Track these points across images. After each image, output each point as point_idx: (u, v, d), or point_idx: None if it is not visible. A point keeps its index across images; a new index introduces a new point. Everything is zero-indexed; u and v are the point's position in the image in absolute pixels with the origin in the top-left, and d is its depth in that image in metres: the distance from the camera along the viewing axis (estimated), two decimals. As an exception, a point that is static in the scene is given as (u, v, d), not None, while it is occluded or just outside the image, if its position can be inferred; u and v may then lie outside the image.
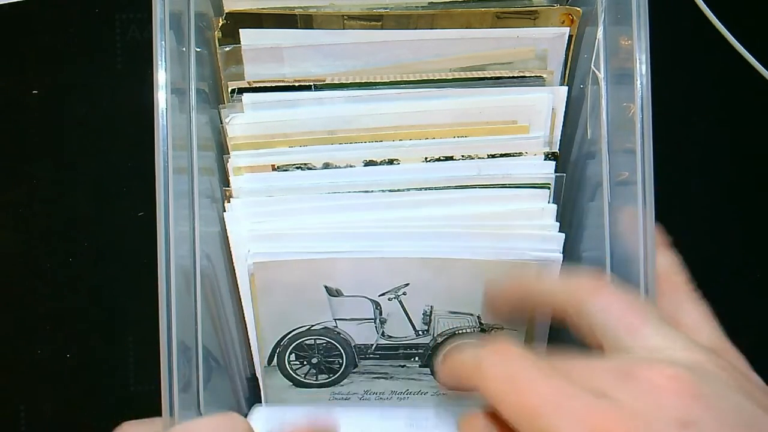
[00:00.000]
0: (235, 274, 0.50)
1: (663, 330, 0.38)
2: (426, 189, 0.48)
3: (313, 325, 0.51)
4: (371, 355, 0.52)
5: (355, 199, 0.48)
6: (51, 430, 0.61)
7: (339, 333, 0.52)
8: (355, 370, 0.53)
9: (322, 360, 0.53)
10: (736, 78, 0.65)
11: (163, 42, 0.43)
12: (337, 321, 0.51)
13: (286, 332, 0.51)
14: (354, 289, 0.50)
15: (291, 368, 0.53)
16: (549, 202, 0.48)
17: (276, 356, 0.52)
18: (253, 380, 0.54)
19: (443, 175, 0.48)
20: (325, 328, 0.51)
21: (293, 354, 0.52)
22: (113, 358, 0.62)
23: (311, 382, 0.53)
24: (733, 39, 0.64)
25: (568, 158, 0.51)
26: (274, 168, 0.48)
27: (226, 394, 0.51)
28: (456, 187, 0.48)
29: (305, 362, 0.53)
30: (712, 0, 0.64)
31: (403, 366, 0.53)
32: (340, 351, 0.52)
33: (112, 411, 0.58)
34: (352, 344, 0.52)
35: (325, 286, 0.49)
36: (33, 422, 0.61)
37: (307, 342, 0.52)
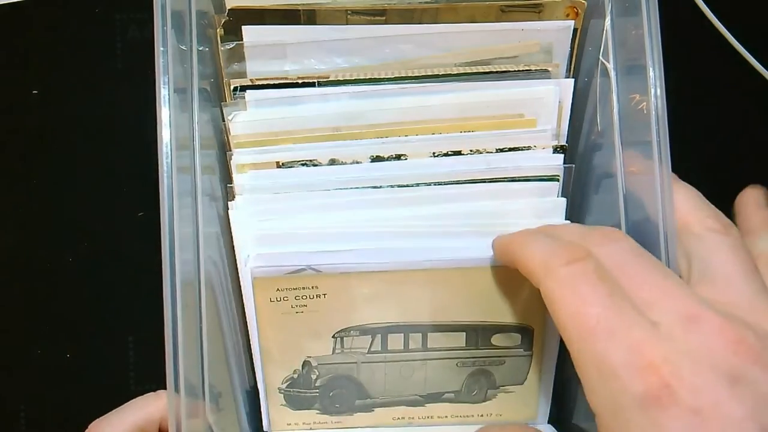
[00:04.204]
0: (236, 273, 0.50)
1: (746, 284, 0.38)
2: (435, 184, 0.47)
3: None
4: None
5: (363, 195, 0.48)
6: (51, 430, 0.61)
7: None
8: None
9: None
10: (737, 78, 0.65)
11: (164, 41, 0.43)
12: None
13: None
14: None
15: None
16: (558, 195, 0.48)
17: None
18: (253, 392, 0.54)
19: (452, 169, 0.47)
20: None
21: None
22: (113, 358, 0.61)
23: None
24: (733, 39, 0.64)
25: (576, 151, 0.51)
26: (279, 165, 0.48)
27: (229, 407, 0.51)
28: (465, 182, 0.47)
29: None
30: (712, 0, 0.64)
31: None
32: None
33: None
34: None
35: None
36: (33, 422, 0.61)
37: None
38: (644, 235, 0.43)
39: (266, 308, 0.49)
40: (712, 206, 0.42)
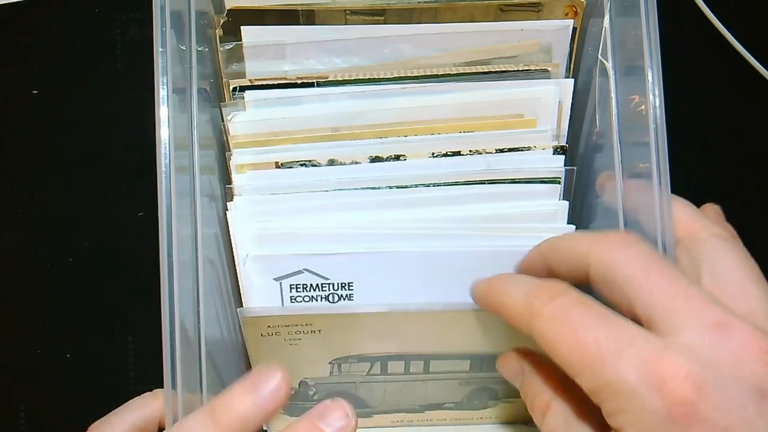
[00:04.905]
0: (236, 273, 0.50)
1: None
2: (434, 185, 0.47)
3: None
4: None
5: (362, 196, 0.47)
6: (51, 430, 0.61)
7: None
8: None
9: None
10: (736, 78, 0.65)
11: (163, 41, 0.43)
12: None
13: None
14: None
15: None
16: (560, 198, 0.48)
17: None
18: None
19: (451, 170, 0.47)
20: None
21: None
22: (113, 358, 0.61)
23: None
24: (733, 39, 0.64)
25: (576, 152, 0.51)
26: (278, 165, 0.48)
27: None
28: (465, 183, 0.47)
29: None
30: (712, 0, 0.64)
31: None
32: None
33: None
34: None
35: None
36: (33, 422, 0.61)
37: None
38: (642, 235, 0.43)
39: (258, 342, 0.49)
40: (708, 212, 0.42)
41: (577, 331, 0.34)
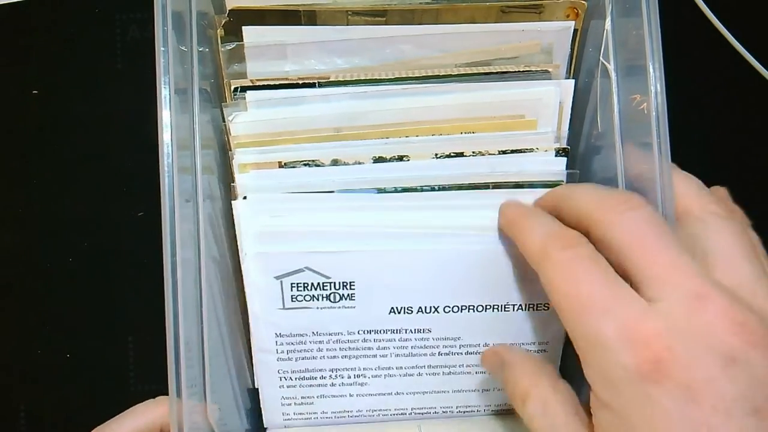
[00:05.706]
0: (237, 273, 0.50)
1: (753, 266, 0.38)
2: (439, 188, 0.47)
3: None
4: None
5: (367, 200, 0.48)
6: (51, 430, 0.61)
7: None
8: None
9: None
10: (736, 78, 0.65)
11: (164, 41, 0.43)
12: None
13: None
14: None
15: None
16: None
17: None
18: (254, 391, 0.54)
19: (455, 172, 0.47)
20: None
21: None
22: (113, 358, 0.61)
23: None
24: (733, 39, 0.64)
25: (576, 153, 0.51)
26: (281, 165, 0.48)
27: (230, 407, 0.51)
28: (469, 186, 0.47)
29: None
30: (712, 0, 0.65)
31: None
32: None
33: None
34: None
35: None
36: (33, 422, 0.61)
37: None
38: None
39: None
40: (713, 194, 0.43)
41: (576, 282, 0.37)
